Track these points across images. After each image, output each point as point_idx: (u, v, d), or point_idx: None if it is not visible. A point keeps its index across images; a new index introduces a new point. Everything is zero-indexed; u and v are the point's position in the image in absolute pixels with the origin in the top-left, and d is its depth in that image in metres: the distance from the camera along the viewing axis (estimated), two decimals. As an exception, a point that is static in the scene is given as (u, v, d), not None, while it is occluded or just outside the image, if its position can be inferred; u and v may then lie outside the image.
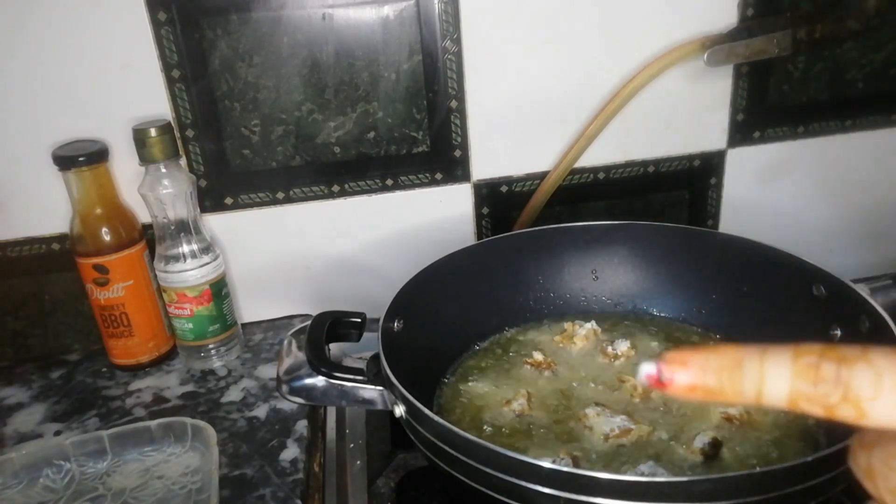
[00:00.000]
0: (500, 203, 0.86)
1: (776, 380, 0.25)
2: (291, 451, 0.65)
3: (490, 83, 0.80)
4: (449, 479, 0.53)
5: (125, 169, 0.76)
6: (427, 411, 0.53)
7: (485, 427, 0.64)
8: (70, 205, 0.73)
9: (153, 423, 0.64)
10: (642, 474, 0.56)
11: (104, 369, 0.79)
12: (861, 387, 0.24)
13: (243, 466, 0.64)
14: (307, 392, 0.61)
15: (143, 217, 0.76)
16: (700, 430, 0.61)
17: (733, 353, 0.26)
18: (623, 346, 0.71)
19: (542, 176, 0.84)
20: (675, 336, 0.75)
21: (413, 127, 0.80)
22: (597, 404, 0.64)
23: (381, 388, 0.60)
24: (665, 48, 0.80)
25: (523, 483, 0.48)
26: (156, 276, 0.76)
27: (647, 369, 0.27)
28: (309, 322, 0.65)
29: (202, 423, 0.64)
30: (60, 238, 0.78)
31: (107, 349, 0.79)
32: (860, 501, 0.28)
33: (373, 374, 0.61)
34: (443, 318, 0.72)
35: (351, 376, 0.60)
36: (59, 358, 0.82)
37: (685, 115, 0.85)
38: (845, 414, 0.24)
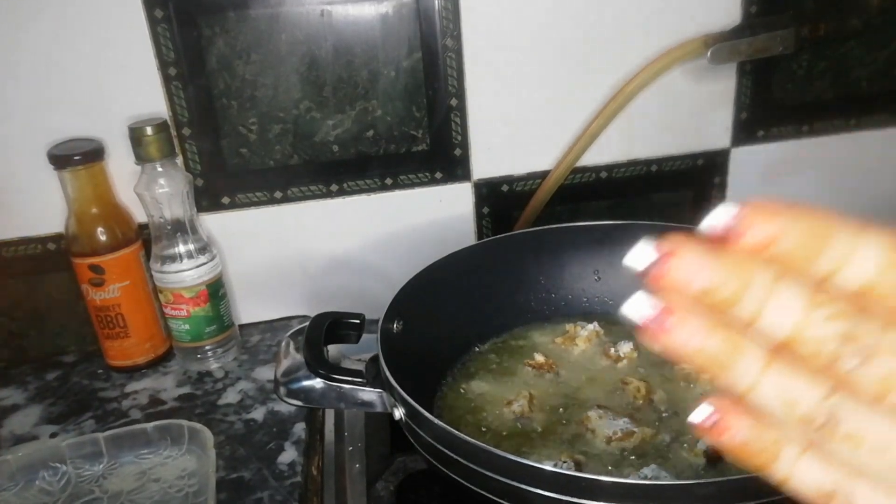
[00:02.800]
0: (500, 202, 0.85)
1: (861, 263, 0.22)
2: (289, 454, 0.65)
3: (490, 81, 0.79)
4: (449, 483, 0.53)
5: (121, 168, 0.75)
6: (427, 414, 0.52)
7: (485, 429, 0.63)
8: (65, 204, 0.73)
9: (149, 425, 0.64)
10: (645, 477, 0.55)
11: (100, 371, 0.79)
12: None
13: (240, 469, 0.63)
14: (305, 394, 0.61)
15: (140, 217, 0.76)
16: (704, 432, 0.60)
17: (829, 217, 0.22)
18: (626, 348, 0.71)
19: (544, 175, 0.84)
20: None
21: (413, 125, 0.80)
22: (599, 407, 0.63)
23: (380, 390, 0.59)
24: (668, 46, 0.79)
25: (524, 486, 0.47)
26: (152, 276, 0.75)
27: (719, 214, 0.23)
28: (307, 323, 0.65)
29: (199, 426, 0.63)
30: (56, 238, 0.78)
31: (103, 350, 0.78)
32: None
33: (372, 375, 0.60)
34: (443, 319, 0.72)
35: (350, 378, 0.60)
36: (55, 359, 0.82)
37: (688, 114, 0.84)
38: None
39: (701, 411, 0.25)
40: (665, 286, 0.23)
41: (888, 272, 0.22)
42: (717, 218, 0.23)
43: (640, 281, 0.24)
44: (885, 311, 0.22)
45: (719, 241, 0.23)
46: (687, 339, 0.23)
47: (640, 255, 0.23)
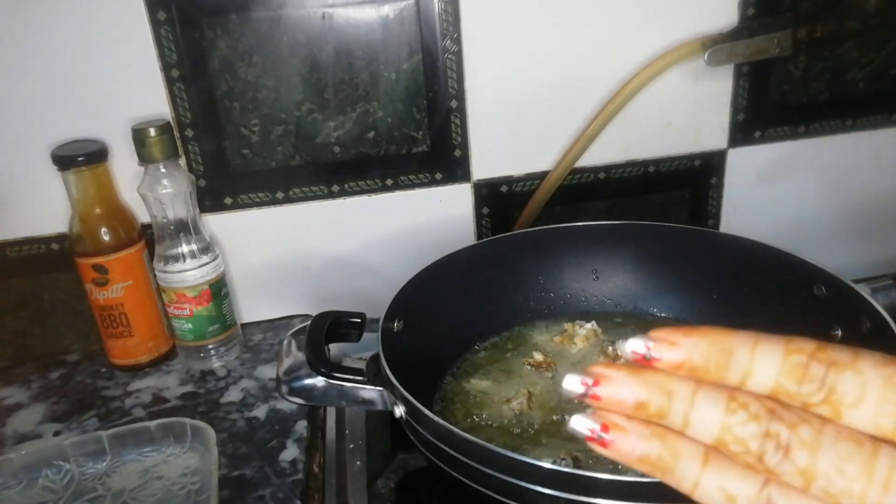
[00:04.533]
0: (500, 203, 0.86)
1: (763, 372, 0.25)
2: (291, 452, 0.65)
3: (490, 82, 0.80)
4: (449, 480, 0.53)
5: (124, 169, 0.75)
6: (427, 412, 0.53)
7: (484, 427, 0.64)
8: (69, 205, 0.73)
9: (152, 423, 0.64)
10: (643, 475, 0.55)
11: (103, 369, 0.79)
12: (845, 393, 0.24)
13: (243, 467, 0.64)
14: (307, 392, 0.61)
15: (143, 217, 0.76)
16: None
17: (724, 336, 0.26)
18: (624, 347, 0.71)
19: (543, 176, 0.84)
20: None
21: (413, 127, 0.80)
22: (597, 405, 0.64)
23: (380, 388, 0.60)
24: (665, 48, 0.80)
25: (524, 483, 0.48)
26: (155, 276, 0.76)
27: (635, 345, 0.27)
28: (308, 322, 0.65)
29: (202, 424, 0.63)
30: (59, 238, 0.78)
31: (106, 349, 0.78)
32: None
33: (372, 374, 0.60)
34: (443, 318, 0.72)
35: (351, 377, 0.60)
36: (59, 358, 0.82)
37: (686, 115, 0.85)
38: (822, 411, 0.25)
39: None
40: (604, 407, 0.27)
41: (785, 379, 0.25)
42: (633, 347, 0.27)
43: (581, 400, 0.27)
44: (795, 410, 0.25)
45: (641, 364, 0.27)
46: (630, 448, 0.27)
47: (573, 384, 0.27)
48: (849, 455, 0.24)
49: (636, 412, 0.26)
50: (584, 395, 0.27)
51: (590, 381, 0.27)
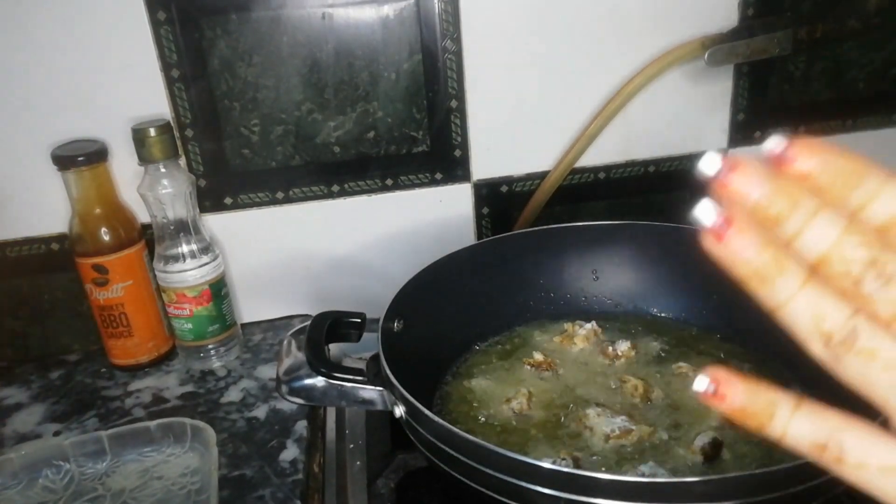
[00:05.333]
0: (500, 203, 0.86)
1: (885, 202, 0.26)
2: (291, 452, 0.65)
3: (490, 82, 0.80)
4: (449, 480, 0.53)
5: (124, 169, 0.75)
6: (427, 412, 0.53)
7: (484, 427, 0.64)
8: (69, 205, 0.73)
9: (152, 423, 0.64)
10: (643, 475, 0.56)
11: (103, 369, 0.79)
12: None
13: (243, 467, 0.64)
14: (307, 392, 0.61)
15: (143, 217, 0.76)
16: (700, 430, 0.60)
17: (861, 161, 0.26)
18: (624, 347, 0.71)
19: (543, 176, 0.84)
20: (676, 336, 0.75)
21: (413, 127, 0.80)
22: (597, 405, 0.64)
23: (380, 388, 0.60)
24: (666, 48, 0.80)
25: (523, 483, 0.48)
26: (155, 276, 0.76)
27: (775, 141, 0.27)
28: (308, 322, 0.65)
29: (202, 424, 0.63)
30: (60, 238, 0.78)
31: (106, 349, 0.78)
32: (861, 502, 0.28)
33: (372, 374, 0.60)
34: (443, 318, 0.72)
35: (351, 377, 0.60)
36: (59, 358, 0.82)
37: (686, 115, 0.85)
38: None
39: (701, 381, 0.29)
40: (726, 195, 0.27)
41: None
42: (773, 143, 0.27)
43: (707, 186, 0.27)
44: None
45: (774, 166, 0.27)
46: (741, 249, 0.27)
47: (711, 162, 0.27)
48: None
49: (757, 209, 0.27)
50: (716, 175, 0.27)
51: (726, 165, 0.27)
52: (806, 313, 0.26)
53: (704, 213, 0.27)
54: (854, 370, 0.26)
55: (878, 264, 0.25)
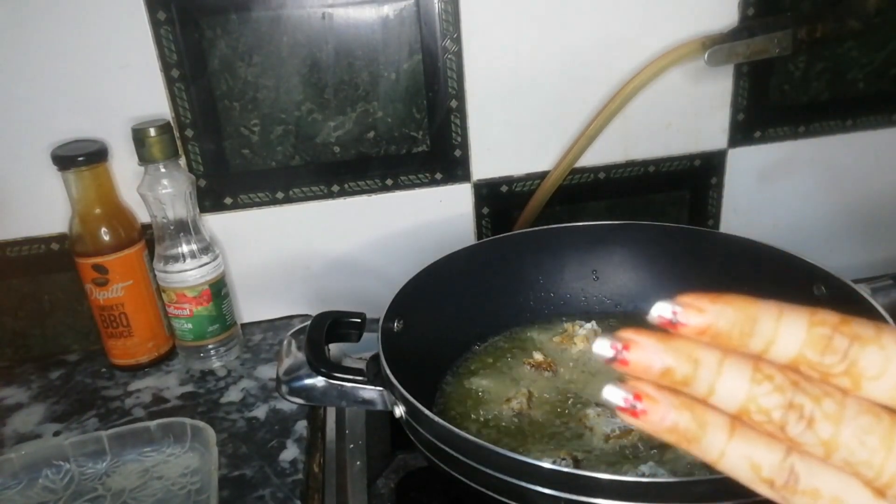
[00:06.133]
0: (500, 203, 0.86)
1: (787, 342, 0.26)
2: (291, 452, 0.65)
3: (490, 83, 0.80)
4: (449, 480, 0.53)
5: (124, 169, 0.75)
6: (427, 412, 0.53)
7: (484, 427, 0.64)
8: (69, 205, 0.73)
9: (152, 423, 0.64)
10: (643, 475, 0.56)
11: (103, 369, 0.79)
12: (867, 367, 0.25)
13: (243, 467, 0.64)
14: (307, 392, 0.61)
15: (143, 217, 0.76)
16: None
17: (750, 304, 0.26)
18: (623, 347, 0.71)
19: (543, 176, 0.84)
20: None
21: (413, 127, 0.80)
22: (597, 405, 0.64)
23: (380, 388, 0.60)
24: (666, 48, 0.80)
25: (524, 483, 0.48)
26: (155, 276, 0.76)
27: (661, 309, 0.27)
28: (308, 322, 0.65)
29: (202, 424, 0.63)
30: (59, 238, 0.78)
31: (106, 349, 0.78)
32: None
33: (372, 374, 0.60)
34: (443, 318, 0.72)
35: (351, 377, 0.60)
36: (59, 358, 0.82)
37: (686, 115, 0.85)
38: (841, 382, 0.25)
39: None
40: (630, 372, 0.27)
41: (809, 350, 0.26)
42: (659, 311, 0.27)
43: (610, 366, 0.27)
44: (817, 382, 0.26)
45: (668, 330, 0.27)
46: (660, 419, 0.27)
47: (603, 347, 0.27)
48: (869, 427, 0.25)
49: (662, 378, 0.27)
50: (614, 358, 0.27)
51: (619, 345, 0.27)
52: (741, 463, 0.26)
53: (612, 395, 0.28)
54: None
55: (795, 408, 0.25)
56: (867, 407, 0.25)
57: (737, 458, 0.26)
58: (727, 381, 0.26)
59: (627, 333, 0.27)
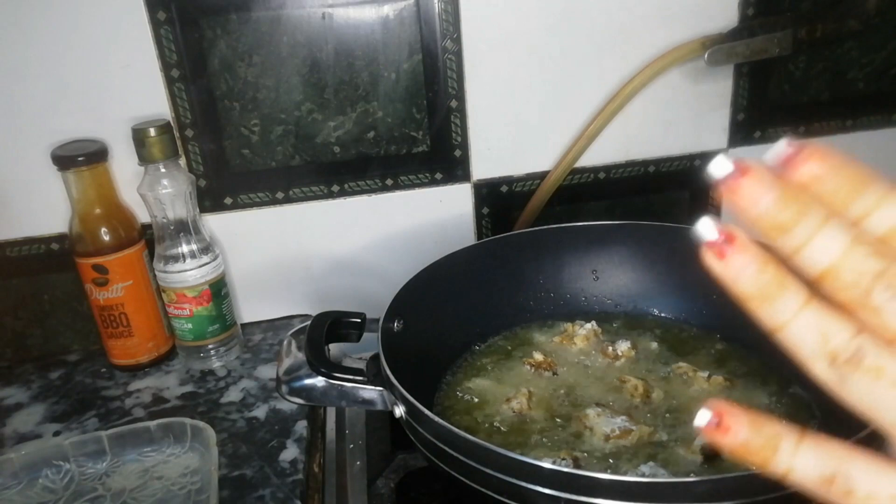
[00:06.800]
0: (500, 203, 0.86)
1: (888, 211, 0.26)
2: (291, 452, 0.65)
3: (490, 83, 0.80)
4: (449, 480, 0.53)
5: (124, 169, 0.75)
6: (427, 412, 0.53)
7: (484, 427, 0.64)
8: (69, 205, 0.73)
9: (152, 423, 0.64)
10: (643, 475, 0.56)
11: (103, 369, 0.79)
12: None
13: (243, 467, 0.64)
14: (307, 392, 0.61)
15: (143, 217, 0.76)
16: (701, 430, 0.60)
17: (867, 171, 0.26)
18: (623, 347, 0.71)
19: (543, 176, 0.84)
20: (676, 336, 0.75)
21: (413, 127, 0.80)
22: (597, 405, 0.64)
23: (380, 388, 0.60)
24: (666, 48, 0.80)
25: (523, 484, 0.48)
26: (155, 276, 0.76)
27: (785, 144, 0.27)
28: (308, 322, 0.65)
29: (202, 424, 0.63)
30: (59, 238, 0.78)
31: (106, 349, 0.78)
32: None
33: (372, 374, 0.60)
34: (443, 318, 0.72)
35: (351, 377, 0.60)
36: (59, 358, 0.82)
37: (686, 115, 0.85)
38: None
39: (703, 415, 0.28)
40: (735, 200, 0.26)
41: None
42: (782, 146, 0.27)
43: (717, 189, 0.27)
44: None
45: (781, 168, 0.27)
46: (743, 267, 0.26)
47: (721, 165, 0.26)
48: None
49: (765, 216, 0.26)
50: (726, 179, 0.26)
51: (737, 168, 0.26)
52: (809, 333, 0.26)
53: (705, 229, 0.27)
54: (860, 389, 0.26)
55: (887, 276, 0.25)
56: None
57: (807, 324, 0.26)
58: (828, 234, 0.25)
59: (750, 160, 0.26)
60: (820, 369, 0.26)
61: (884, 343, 0.25)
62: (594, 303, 0.80)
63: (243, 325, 0.84)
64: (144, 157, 0.71)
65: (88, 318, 0.79)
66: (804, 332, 0.26)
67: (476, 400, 0.68)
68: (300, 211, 0.82)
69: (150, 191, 0.72)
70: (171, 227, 0.74)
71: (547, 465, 0.47)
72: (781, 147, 0.27)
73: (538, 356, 0.71)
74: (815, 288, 0.26)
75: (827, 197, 0.26)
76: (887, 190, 0.26)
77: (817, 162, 0.26)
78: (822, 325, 0.26)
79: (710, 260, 0.27)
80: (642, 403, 0.65)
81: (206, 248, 0.75)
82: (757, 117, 0.86)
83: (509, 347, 0.75)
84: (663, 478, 0.55)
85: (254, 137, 0.78)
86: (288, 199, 0.81)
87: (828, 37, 0.81)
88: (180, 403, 0.73)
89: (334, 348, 0.68)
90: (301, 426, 0.68)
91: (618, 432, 0.60)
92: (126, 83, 0.74)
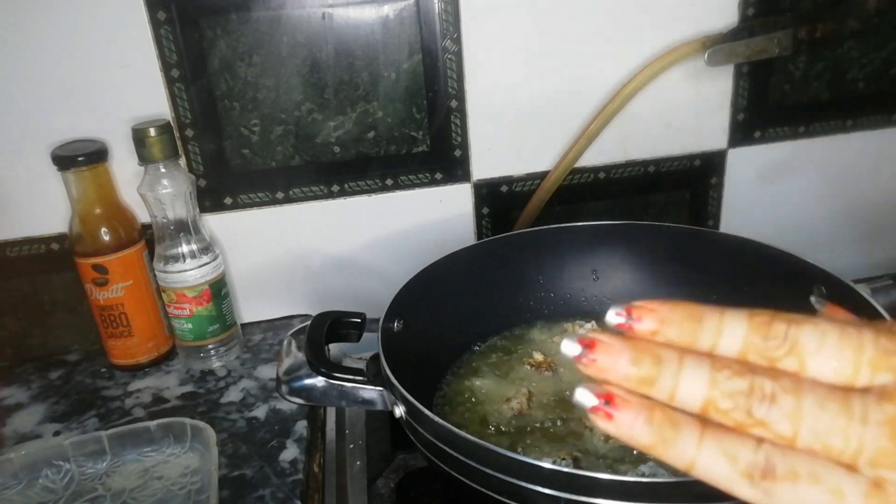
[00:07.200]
0: (500, 203, 0.86)
1: (732, 332, 0.27)
2: (291, 452, 0.65)
3: (490, 83, 0.80)
4: (449, 480, 0.53)
5: (124, 169, 0.75)
6: (427, 412, 0.53)
7: (484, 427, 0.64)
8: (69, 205, 0.73)
9: (152, 423, 0.64)
10: (643, 475, 0.56)
11: (103, 369, 0.79)
12: (807, 342, 0.26)
13: (243, 467, 0.64)
14: (307, 392, 0.61)
15: (143, 217, 0.76)
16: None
17: (695, 306, 0.28)
18: (623, 347, 0.71)
19: (543, 176, 0.84)
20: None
21: (413, 127, 0.80)
22: (597, 405, 0.64)
23: (380, 388, 0.60)
24: (666, 48, 0.80)
25: (524, 484, 0.48)
26: (155, 276, 0.76)
27: (616, 313, 0.28)
28: (308, 322, 0.65)
29: (202, 424, 0.63)
30: (59, 238, 0.78)
31: (106, 349, 0.78)
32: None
33: (372, 374, 0.60)
34: (443, 318, 0.72)
35: (351, 377, 0.60)
36: (59, 358, 0.82)
37: (686, 115, 0.85)
38: (789, 364, 0.27)
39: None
40: (596, 372, 0.28)
41: (753, 335, 0.27)
42: (615, 314, 0.28)
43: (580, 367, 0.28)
44: (768, 368, 0.27)
45: (624, 334, 0.28)
46: (633, 420, 0.27)
47: (570, 347, 0.28)
48: (827, 396, 0.26)
49: (627, 376, 0.27)
50: (581, 357, 0.28)
51: (584, 346, 0.28)
52: (717, 460, 0.27)
53: (584, 398, 0.28)
54: (787, 497, 0.26)
55: (756, 389, 0.26)
56: (818, 382, 0.26)
57: (712, 454, 0.27)
58: (690, 375, 0.27)
59: (592, 334, 0.28)
60: (745, 492, 0.27)
61: (786, 447, 0.26)
62: (594, 302, 0.80)
63: (243, 325, 0.84)
64: (144, 157, 0.71)
65: (88, 318, 0.79)
66: (713, 462, 0.27)
67: (476, 399, 0.68)
68: (300, 211, 0.82)
69: (150, 191, 0.72)
70: (171, 227, 0.74)
71: (547, 465, 0.47)
72: (612, 318, 0.28)
73: (538, 356, 0.71)
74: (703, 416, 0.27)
75: (675, 341, 0.28)
76: (721, 314, 0.28)
77: (648, 319, 0.28)
78: (726, 449, 0.27)
79: (601, 424, 0.28)
80: (642, 403, 0.65)
81: (206, 248, 0.75)
82: (757, 117, 0.86)
83: (509, 347, 0.75)
84: (663, 478, 0.55)
85: (254, 137, 0.78)
86: (288, 199, 0.81)
87: (828, 37, 0.81)
88: (180, 403, 0.73)
89: (334, 348, 0.68)
90: (301, 426, 0.68)
91: (618, 432, 0.60)
92: (126, 83, 0.74)
